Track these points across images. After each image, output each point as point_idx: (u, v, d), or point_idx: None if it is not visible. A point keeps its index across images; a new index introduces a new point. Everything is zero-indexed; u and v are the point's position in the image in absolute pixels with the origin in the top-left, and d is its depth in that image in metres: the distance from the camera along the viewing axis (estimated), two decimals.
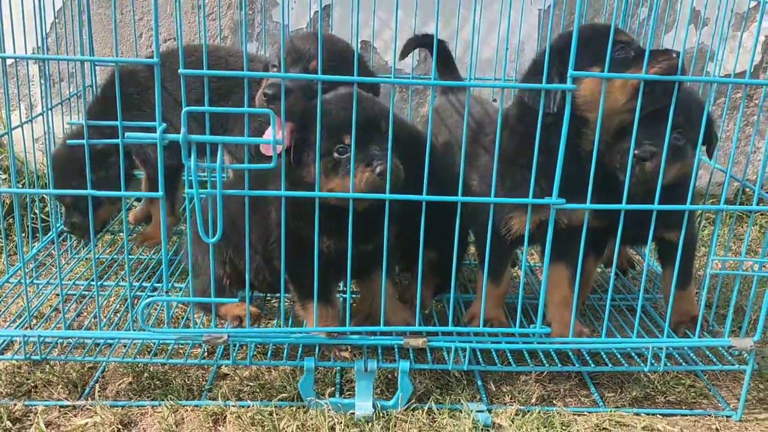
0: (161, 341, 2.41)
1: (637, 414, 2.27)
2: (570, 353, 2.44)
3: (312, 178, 2.05)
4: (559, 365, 2.38)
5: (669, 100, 2.03)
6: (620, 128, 2.19)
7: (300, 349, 2.40)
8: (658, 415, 2.28)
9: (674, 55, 2.08)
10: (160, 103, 1.87)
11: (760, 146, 4.14)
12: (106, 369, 2.39)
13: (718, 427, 2.24)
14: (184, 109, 1.84)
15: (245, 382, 2.33)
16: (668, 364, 2.34)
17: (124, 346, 2.42)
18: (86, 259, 3.07)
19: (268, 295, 2.86)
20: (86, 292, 2.85)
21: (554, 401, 2.33)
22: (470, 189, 2.41)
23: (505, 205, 2.28)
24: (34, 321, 2.49)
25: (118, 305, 2.80)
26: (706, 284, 2.36)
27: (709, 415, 2.30)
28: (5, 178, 3.49)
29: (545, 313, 2.40)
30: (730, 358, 2.46)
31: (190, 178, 1.91)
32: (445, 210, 2.17)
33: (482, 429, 2.12)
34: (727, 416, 2.30)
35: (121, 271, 3.13)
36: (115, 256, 3.25)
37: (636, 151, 2.12)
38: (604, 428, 2.18)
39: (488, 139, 2.39)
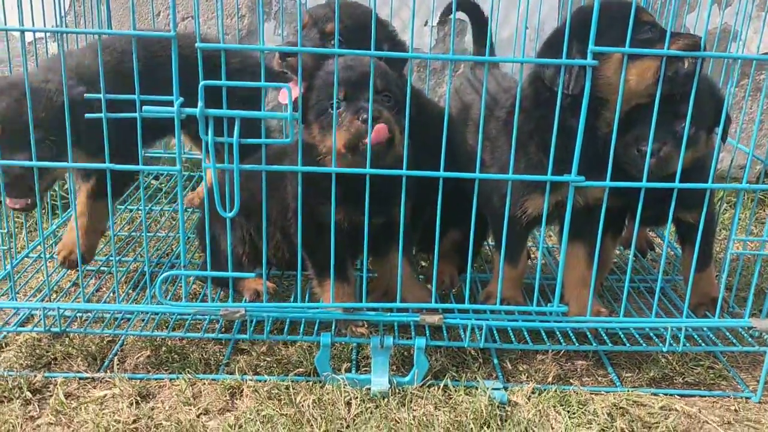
0: (179, 316, 2.43)
1: (655, 394, 2.25)
2: (587, 332, 2.42)
3: (314, 139, 2.09)
4: (576, 344, 2.36)
5: (690, 86, 2.01)
6: (626, 118, 2.15)
7: (316, 325, 2.41)
8: (676, 396, 2.26)
9: (697, 37, 2.08)
10: (177, 76, 1.87)
11: None
12: (125, 342, 2.41)
13: (737, 409, 2.23)
14: (201, 82, 1.84)
15: (262, 357, 2.35)
16: (687, 344, 2.32)
17: (142, 321, 2.44)
18: (105, 235, 3.09)
19: (285, 273, 2.87)
20: (105, 268, 2.88)
21: (571, 380, 2.32)
22: (484, 170, 2.38)
23: (520, 188, 2.26)
24: (54, 295, 2.52)
25: (136, 281, 2.83)
26: (727, 266, 2.34)
27: (728, 397, 2.28)
28: None
29: (563, 292, 2.38)
30: (750, 339, 2.43)
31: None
32: (465, 189, 2.16)
33: (498, 406, 2.12)
34: (746, 398, 2.28)
35: (138, 248, 3.16)
36: (133, 234, 3.28)
37: (642, 147, 2.11)
38: (621, 408, 2.16)
39: (501, 120, 2.36)
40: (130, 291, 2.73)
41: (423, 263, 3.02)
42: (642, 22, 2.06)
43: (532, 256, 3.18)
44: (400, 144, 2.04)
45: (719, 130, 2.25)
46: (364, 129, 1.96)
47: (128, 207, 3.50)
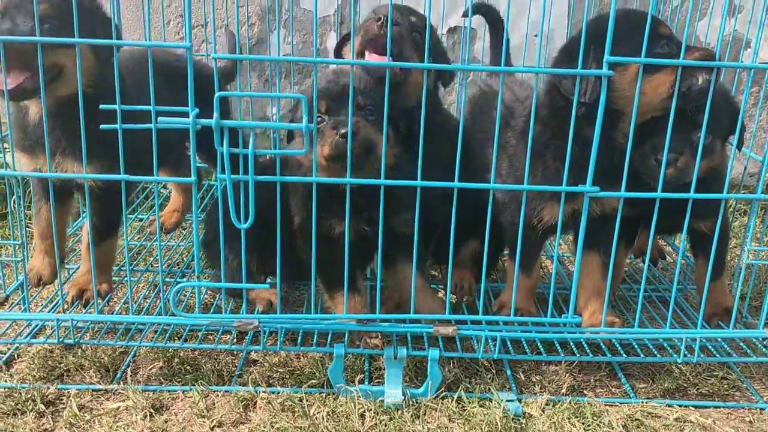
0: (191, 327, 2.42)
1: (669, 405, 2.24)
2: (601, 343, 2.41)
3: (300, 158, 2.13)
4: (590, 355, 2.35)
5: (703, 102, 2.02)
6: (643, 128, 2.15)
7: (329, 336, 2.40)
8: (690, 407, 2.25)
9: (711, 50, 2.11)
10: (192, 87, 1.86)
11: None
12: (137, 354, 2.41)
13: (752, 420, 2.21)
14: (217, 93, 1.83)
15: (275, 368, 2.34)
16: (702, 355, 2.31)
17: (155, 332, 2.43)
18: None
19: (296, 282, 2.85)
20: (116, 278, 2.87)
21: (584, 391, 2.31)
22: (501, 179, 2.38)
23: (536, 197, 2.25)
24: (66, 306, 2.50)
25: (148, 291, 2.82)
26: (742, 275, 2.32)
27: (742, 408, 2.27)
28: None
29: (576, 302, 2.37)
30: (764, 350, 2.42)
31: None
32: (484, 199, 2.15)
33: (513, 418, 2.10)
34: (760, 408, 2.27)
35: (149, 258, 3.15)
36: (144, 243, 3.27)
37: (660, 157, 2.10)
38: (636, 419, 2.15)
39: (518, 129, 2.36)
40: (142, 302, 2.72)
41: (434, 273, 3.01)
42: (659, 36, 2.06)
43: (543, 265, 3.17)
44: (385, 155, 2.06)
45: (734, 138, 2.25)
46: (342, 143, 1.99)
47: (138, 216, 3.49)
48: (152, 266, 3.04)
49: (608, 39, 1.89)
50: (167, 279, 2.86)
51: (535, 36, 2.99)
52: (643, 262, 2.44)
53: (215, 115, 1.84)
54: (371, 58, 2.20)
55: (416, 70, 2.28)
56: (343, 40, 2.52)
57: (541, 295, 2.70)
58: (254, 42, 3.85)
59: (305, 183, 2.13)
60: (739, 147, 2.30)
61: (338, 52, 2.54)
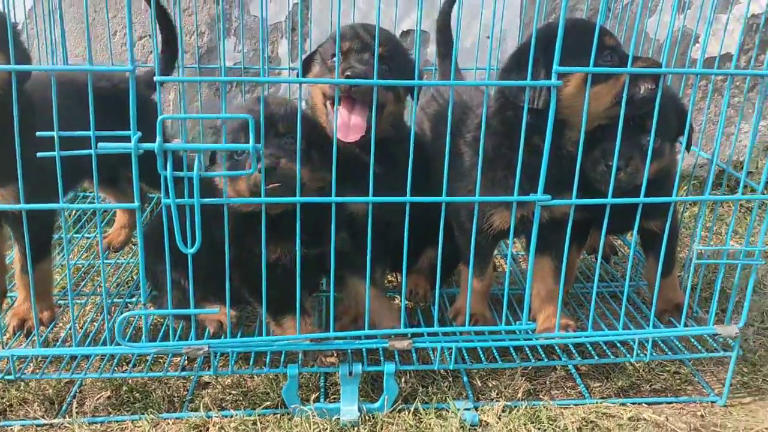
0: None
1: (623, 404, 2.27)
2: (556, 346, 2.42)
3: (219, 181, 2.08)
4: (545, 359, 2.36)
5: (646, 109, 2.04)
6: (592, 135, 2.16)
7: (283, 355, 2.36)
8: (643, 404, 2.29)
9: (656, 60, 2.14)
10: (134, 110, 1.79)
11: (745, 129, 4.12)
12: (84, 383, 2.33)
13: (704, 414, 2.26)
14: (160, 117, 1.77)
15: (227, 390, 2.29)
16: (654, 353, 2.34)
17: (102, 358, 2.35)
18: (61, 266, 2.98)
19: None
20: (62, 301, 2.77)
21: (541, 395, 2.33)
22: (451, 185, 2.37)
23: (486, 203, 2.24)
24: (8, 337, 2.40)
25: (95, 314, 2.73)
26: (692, 272, 2.35)
27: (695, 402, 2.32)
28: None
29: (530, 306, 2.37)
30: (714, 344, 2.46)
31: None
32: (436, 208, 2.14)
33: (469, 428, 2.11)
34: (711, 402, 2.33)
35: (97, 278, 3.05)
36: (93, 262, 3.17)
37: (609, 163, 2.11)
38: (591, 421, 2.18)
39: (470, 136, 2.34)
40: (89, 325, 2.63)
41: (390, 278, 2.99)
42: (604, 46, 2.06)
43: (497, 264, 3.17)
44: (310, 181, 2.05)
45: (683, 139, 2.28)
46: (260, 179, 1.94)
47: (85, 235, 3.39)
48: (99, 288, 2.94)
49: (557, 49, 1.88)
50: (116, 300, 2.78)
51: (488, 38, 2.96)
52: (596, 258, 2.45)
53: (158, 139, 1.77)
54: (346, 117, 2.13)
55: (389, 101, 2.25)
56: (309, 60, 2.38)
57: (496, 296, 2.70)
58: (204, 51, 3.75)
59: (228, 213, 2.03)
60: (687, 148, 2.33)
61: (305, 71, 2.37)
